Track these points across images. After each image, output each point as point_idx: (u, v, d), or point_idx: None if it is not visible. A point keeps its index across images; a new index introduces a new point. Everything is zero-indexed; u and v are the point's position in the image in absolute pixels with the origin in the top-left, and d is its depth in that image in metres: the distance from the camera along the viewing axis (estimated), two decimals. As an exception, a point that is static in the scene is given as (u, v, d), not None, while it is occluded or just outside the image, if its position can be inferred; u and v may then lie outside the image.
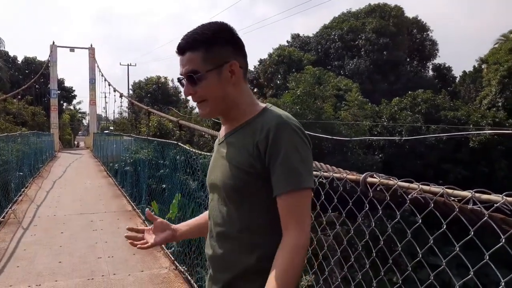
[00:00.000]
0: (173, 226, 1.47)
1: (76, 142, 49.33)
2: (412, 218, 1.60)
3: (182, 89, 1.25)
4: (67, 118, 44.87)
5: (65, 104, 45.93)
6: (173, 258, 4.96)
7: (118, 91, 27.85)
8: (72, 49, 33.44)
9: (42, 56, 47.24)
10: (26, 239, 5.80)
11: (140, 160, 8.13)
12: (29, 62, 39.45)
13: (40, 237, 5.90)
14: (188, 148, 5.10)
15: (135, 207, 7.90)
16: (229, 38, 1.21)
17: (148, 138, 7.64)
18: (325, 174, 1.67)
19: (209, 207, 1.33)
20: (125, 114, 34.55)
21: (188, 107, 36.50)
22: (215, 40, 1.18)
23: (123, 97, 28.13)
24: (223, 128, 1.33)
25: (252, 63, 34.02)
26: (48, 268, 4.65)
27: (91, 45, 33.21)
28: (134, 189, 8.50)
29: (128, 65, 40.37)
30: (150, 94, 33.48)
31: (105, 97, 40.44)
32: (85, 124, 60.78)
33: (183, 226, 1.50)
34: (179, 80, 1.24)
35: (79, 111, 54.55)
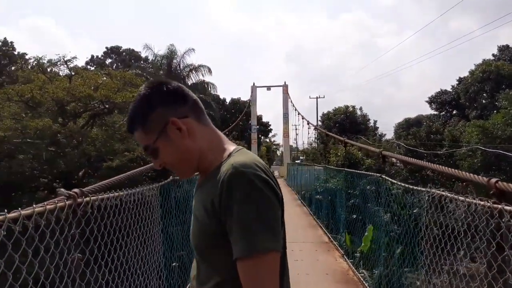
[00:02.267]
0: None
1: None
2: None
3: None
4: (264, 150, 49.31)
5: (262, 137, 50.75)
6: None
7: (312, 124, 29.18)
8: (268, 88, 37.11)
9: (243, 95, 53.80)
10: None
11: (336, 191, 8.07)
12: (235, 102, 45.37)
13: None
14: (389, 179, 4.70)
15: (332, 238, 7.80)
16: (158, 100, 1.14)
17: (346, 169, 7.48)
18: None
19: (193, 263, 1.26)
20: (315, 145, 35.79)
21: (377, 135, 35.40)
22: (145, 112, 1.13)
23: (311, 129, 29.37)
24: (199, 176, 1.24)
25: (450, 82, 30.92)
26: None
27: (285, 82, 36.23)
28: (330, 220, 8.44)
29: (317, 97, 42.18)
30: (338, 123, 33.90)
31: (296, 129, 43.10)
32: (279, 154, 65.63)
33: None
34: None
35: (274, 143, 59.40)
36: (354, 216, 6.84)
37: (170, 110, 1.13)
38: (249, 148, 35.45)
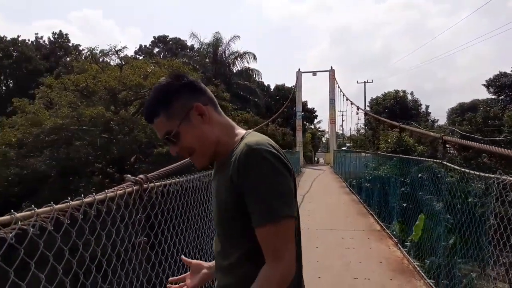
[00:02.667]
0: (207, 264, 1.51)
1: (316, 158, 53.02)
2: None
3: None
4: (309, 137, 48.82)
5: (307, 124, 50.21)
6: (437, 292, 4.39)
7: (362, 109, 28.47)
8: (314, 73, 36.46)
9: (288, 81, 53.32)
10: (288, 250, 6.30)
11: (389, 178, 7.83)
12: (279, 89, 45.12)
13: (299, 249, 6.30)
14: (451, 165, 4.46)
15: (384, 227, 7.60)
16: (181, 87, 1.22)
17: (401, 156, 7.21)
18: None
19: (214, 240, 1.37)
20: (362, 131, 34.95)
21: (430, 120, 33.96)
22: (168, 96, 1.21)
23: (359, 114, 28.68)
24: (214, 165, 1.34)
25: (510, 64, 28.90)
26: (310, 282, 4.81)
27: (331, 67, 35.31)
28: (382, 208, 8.22)
29: (364, 82, 40.99)
30: (388, 109, 32.79)
31: (342, 115, 42.21)
32: (324, 141, 64.77)
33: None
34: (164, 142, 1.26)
35: (319, 129, 58.60)
36: (405, 204, 6.65)
37: (193, 97, 1.23)
38: (294, 134, 35.22)
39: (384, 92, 35.77)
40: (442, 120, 36.88)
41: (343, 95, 33.77)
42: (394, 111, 32.04)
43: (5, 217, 1.13)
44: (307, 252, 5.72)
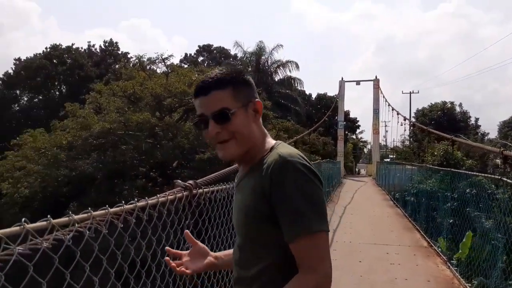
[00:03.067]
0: (214, 254, 1.44)
1: (357, 169, 51.83)
2: None
3: (207, 132, 1.19)
4: (350, 147, 47.86)
5: (349, 133, 49.29)
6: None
7: (409, 120, 27.53)
8: (358, 82, 35.80)
9: (329, 90, 52.61)
10: (329, 263, 6.12)
11: (437, 192, 7.49)
12: (321, 98, 44.66)
13: (341, 263, 6.09)
14: None
15: (431, 243, 7.24)
16: (248, 79, 1.25)
17: (453, 170, 6.88)
18: None
19: (233, 250, 1.33)
20: (407, 143, 33.83)
21: (479, 134, 32.38)
22: (240, 79, 1.21)
23: (405, 125, 27.76)
24: (239, 171, 1.33)
25: None
26: (353, 298, 4.67)
27: (376, 77, 34.48)
28: (429, 223, 7.85)
29: (410, 92, 39.77)
30: (435, 120, 31.58)
31: (385, 125, 41.08)
32: (365, 152, 63.27)
33: (225, 255, 1.44)
34: (198, 121, 1.21)
35: (361, 140, 57.29)
36: (451, 220, 6.36)
37: (255, 93, 1.25)
38: (335, 144, 34.65)
39: (431, 103, 34.57)
40: (493, 134, 35.03)
41: (388, 105, 32.80)
42: (441, 123, 30.77)
43: (64, 219, 1.13)
44: (350, 265, 5.55)
